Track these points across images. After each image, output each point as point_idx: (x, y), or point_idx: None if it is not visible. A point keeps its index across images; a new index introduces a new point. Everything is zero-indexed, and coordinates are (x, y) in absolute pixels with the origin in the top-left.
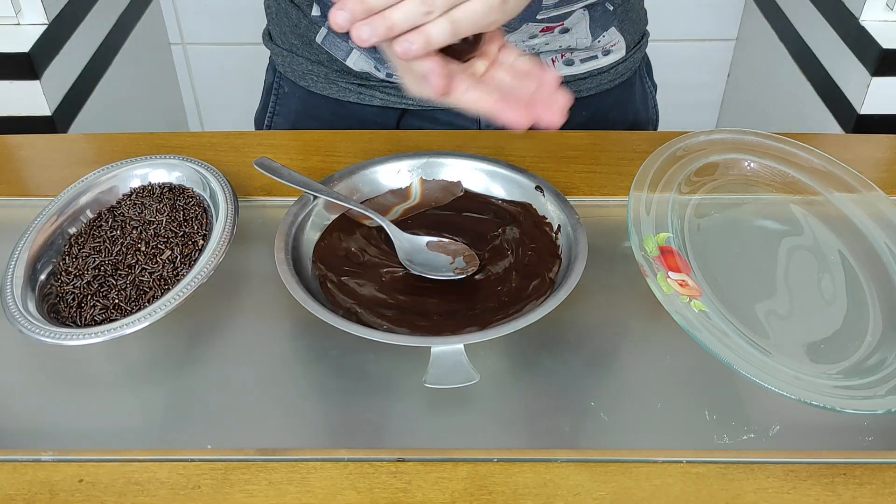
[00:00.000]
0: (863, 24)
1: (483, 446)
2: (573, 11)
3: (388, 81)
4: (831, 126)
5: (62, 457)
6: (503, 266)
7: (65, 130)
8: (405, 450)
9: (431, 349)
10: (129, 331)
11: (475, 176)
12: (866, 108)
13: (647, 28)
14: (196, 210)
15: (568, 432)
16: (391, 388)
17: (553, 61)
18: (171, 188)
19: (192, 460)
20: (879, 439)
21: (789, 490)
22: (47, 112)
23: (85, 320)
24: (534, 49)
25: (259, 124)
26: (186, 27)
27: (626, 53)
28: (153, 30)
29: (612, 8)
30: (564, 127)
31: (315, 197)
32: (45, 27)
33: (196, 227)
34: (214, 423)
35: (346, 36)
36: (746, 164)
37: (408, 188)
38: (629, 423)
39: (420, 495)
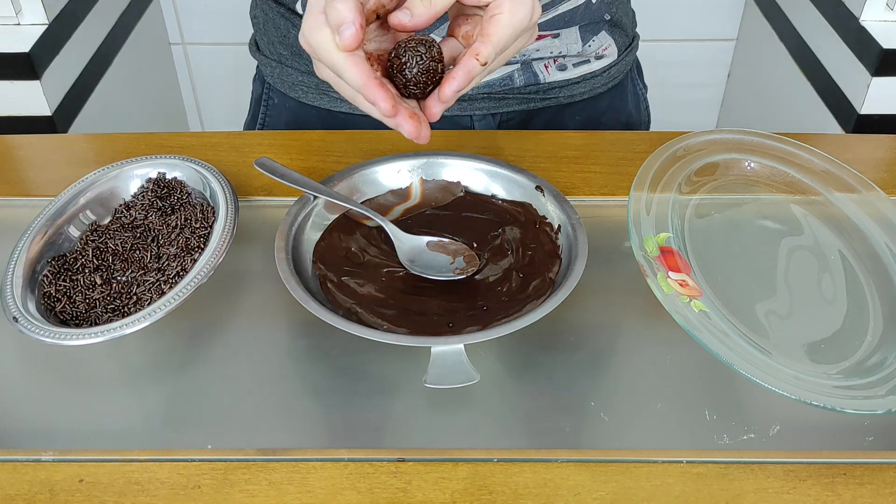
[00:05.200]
0: (863, 24)
1: (483, 446)
2: (562, 17)
3: None
4: (831, 126)
5: (62, 457)
6: (503, 266)
7: (65, 130)
8: (405, 450)
9: (431, 349)
10: (129, 331)
11: (475, 176)
12: (866, 108)
13: (637, 30)
14: (196, 210)
15: (568, 432)
16: (391, 388)
17: (546, 67)
18: (170, 188)
19: (192, 460)
20: (879, 439)
21: (789, 490)
22: (47, 112)
23: (85, 320)
24: (525, 55)
25: None
26: (186, 27)
27: (618, 57)
28: (153, 30)
29: (608, 17)
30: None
31: (315, 197)
32: (45, 27)
33: (196, 227)
34: (214, 423)
35: None
36: (746, 164)
37: (408, 188)
38: (629, 423)
39: (420, 495)
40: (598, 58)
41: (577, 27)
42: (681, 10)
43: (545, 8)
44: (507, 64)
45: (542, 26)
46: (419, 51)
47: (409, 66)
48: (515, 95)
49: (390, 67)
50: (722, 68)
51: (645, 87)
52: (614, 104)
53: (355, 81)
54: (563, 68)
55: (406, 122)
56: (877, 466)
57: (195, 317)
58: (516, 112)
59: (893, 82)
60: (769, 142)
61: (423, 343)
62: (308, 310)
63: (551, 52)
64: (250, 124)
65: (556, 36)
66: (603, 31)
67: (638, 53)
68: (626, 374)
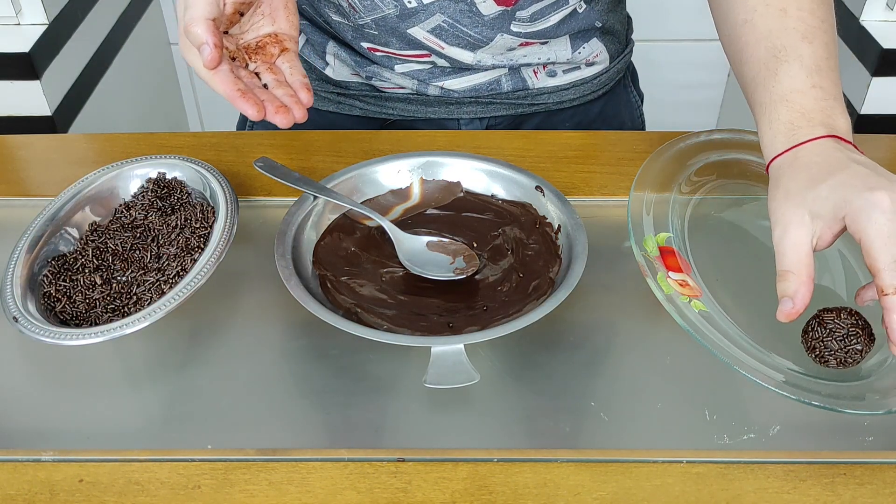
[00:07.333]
0: (863, 24)
1: (483, 446)
2: (553, 27)
3: (368, 90)
4: None
5: (62, 457)
6: (503, 266)
7: (65, 130)
8: (405, 450)
9: (431, 349)
10: (129, 331)
11: (475, 176)
12: (866, 108)
13: (634, 35)
14: (196, 210)
15: (568, 432)
16: (391, 388)
17: (535, 73)
18: (170, 188)
19: (192, 460)
20: (879, 439)
21: (789, 490)
22: (47, 112)
23: (85, 320)
24: (512, 61)
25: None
26: None
27: (610, 64)
28: (153, 30)
29: (600, 25)
30: None
31: (315, 197)
32: (45, 27)
33: (196, 227)
34: (214, 423)
35: (322, 45)
36: (746, 164)
37: (408, 188)
38: (629, 423)
39: (420, 495)
40: (589, 64)
41: (568, 36)
42: (681, 11)
43: (531, 20)
44: (493, 68)
45: (530, 37)
46: (851, 340)
47: (833, 338)
48: (503, 100)
49: (816, 323)
50: (722, 68)
51: (640, 96)
52: (606, 111)
53: (224, 95)
54: (552, 74)
55: (274, 117)
56: (877, 466)
57: (195, 317)
58: (504, 117)
59: (893, 82)
60: None
61: (423, 343)
62: (308, 310)
63: (539, 59)
64: (241, 122)
65: (545, 43)
66: (594, 38)
67: (637, 54)
68: (626, 374)
